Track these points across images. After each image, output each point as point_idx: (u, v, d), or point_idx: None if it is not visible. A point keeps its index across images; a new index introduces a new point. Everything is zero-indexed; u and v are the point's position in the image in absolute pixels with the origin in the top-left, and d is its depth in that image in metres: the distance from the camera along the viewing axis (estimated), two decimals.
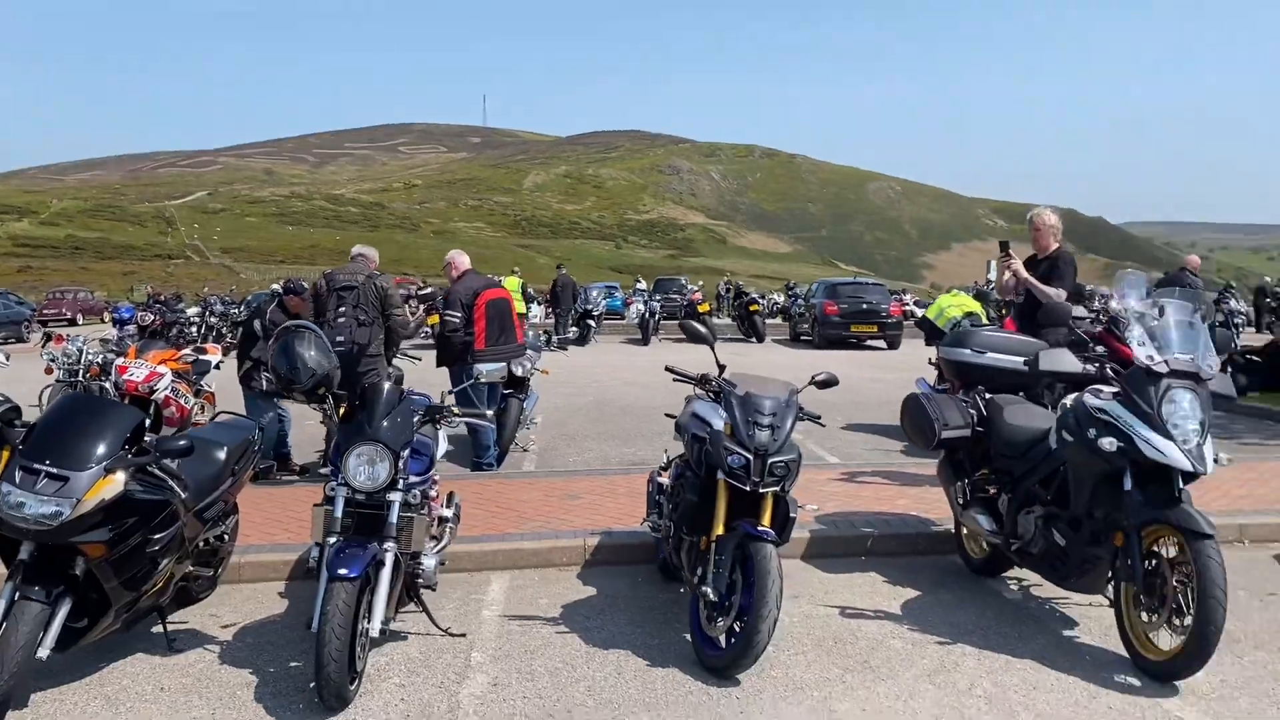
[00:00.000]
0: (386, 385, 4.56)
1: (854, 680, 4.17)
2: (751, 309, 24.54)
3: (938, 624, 4.83)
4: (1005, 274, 6.91)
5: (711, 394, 4.78)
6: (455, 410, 4.87)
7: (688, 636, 4.51)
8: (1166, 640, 4.12)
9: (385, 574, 4.10)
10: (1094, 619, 4.83)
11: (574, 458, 9.13)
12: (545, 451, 9.40)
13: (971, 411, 5.51)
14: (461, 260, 8.45)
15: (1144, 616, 4.23)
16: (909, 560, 5.94)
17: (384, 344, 7.63)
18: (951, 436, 5.43)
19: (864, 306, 21.90)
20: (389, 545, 4.16)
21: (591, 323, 22.63)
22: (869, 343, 22.51)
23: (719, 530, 4.41)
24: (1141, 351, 4.36)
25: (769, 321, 29.41)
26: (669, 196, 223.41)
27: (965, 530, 5.68)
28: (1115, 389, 4.53)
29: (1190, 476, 4.24)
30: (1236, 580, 5.51)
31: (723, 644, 4.23)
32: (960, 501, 5.47)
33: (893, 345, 22.26)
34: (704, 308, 24.03)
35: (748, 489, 4.35)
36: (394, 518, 4.23)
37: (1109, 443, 4.24)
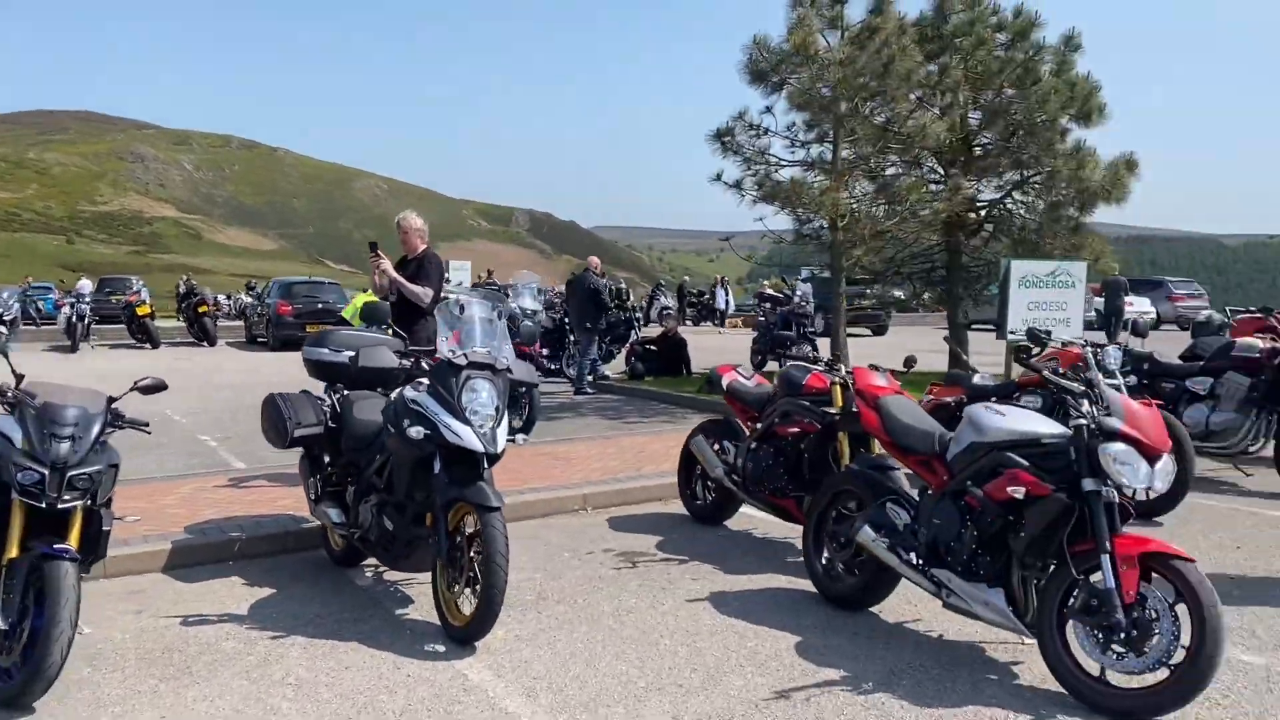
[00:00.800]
0: None
1: (165, 689, 4.09)
2: (201, 310, 23.16)
3: (280, 619, 4.90)
4: (376, 274, 7.19)
5: (6, 407, 4.42)
6: None
7: None
8: (468, 606, 4.56)
9: None
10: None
11: None
12: None
13: (326, 409, 5.68)
14: None
15: (452, 587, 4.65)
16: (277, 560, 5.96)
17: None
18: (305, 435, 5.56)
19: (319, 306, 21.64)
20: None
21: (2, 329, 19.88)
22: None
23: (12, 553, 4.09)
24: (444, 346, 4.78)
25: (230, 323, 27.98)
26: (132, 186, 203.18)
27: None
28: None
29: (494, 458, 4.73)
30: (567, 542, 6.28)
31: (14, 674, 3.94)
32: (313, 496, 5.62)
33: None
34: (143, 310, 22.15)
35: (44, 505, 4.08)
36: None
37: (416, 431, 4.59)
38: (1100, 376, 7.22)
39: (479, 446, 4.58)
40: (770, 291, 22.26)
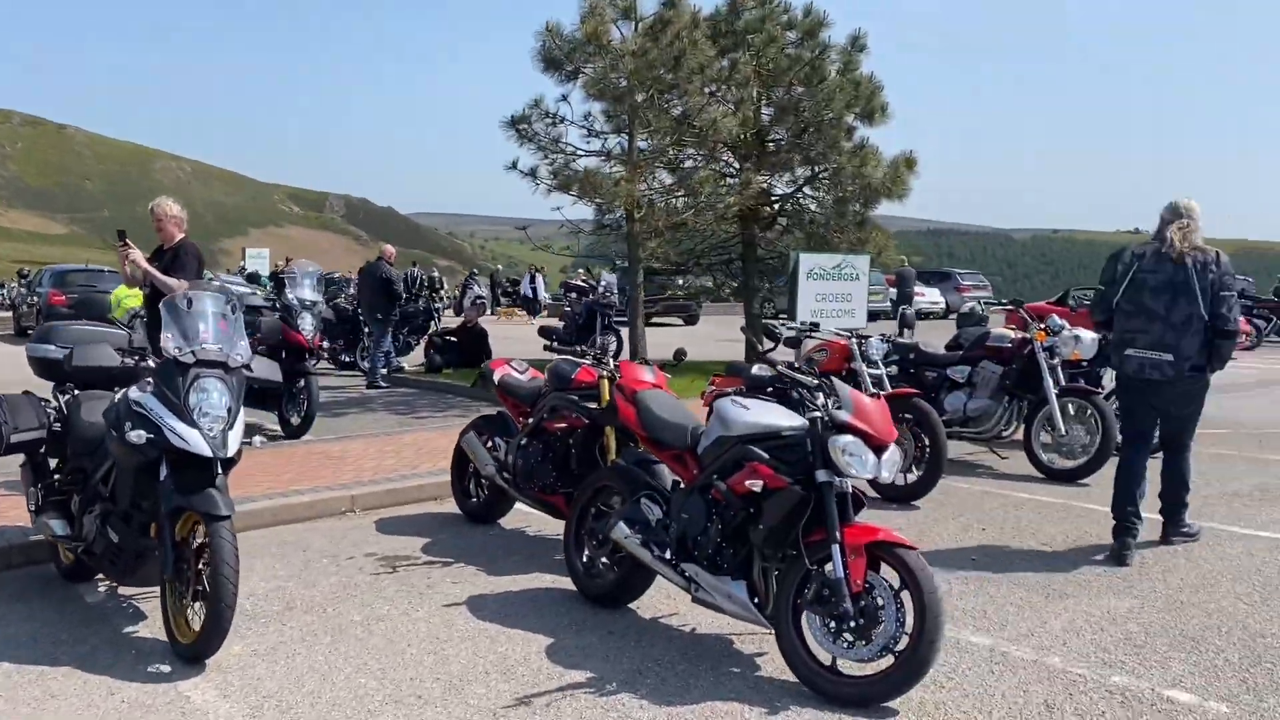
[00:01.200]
0: None
1: None
2: None
3: None
4: (126, 264, 6.69)
5: None
6: None
7: None
8: (197, 622, 4.26)
9: None
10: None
11: None
12: None
13: (50, 410, 5.23)
14: None
15: (181, 602, 4.34)
16: None
17: None
18: (21, 440, 5.09)
19: (96, 296, 20.17)
20: None
21: None
22: None
23: None
24: (170, 343, 4.44)
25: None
26: None
27: None
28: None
29: (227, 463, 4.43)
30: (328, 547, 6.01)
31: None
32: (33, 507, 5.16)
33: None
34: None
35: None
36: None
37: (138, 435, 4.25)
38: (864, 367, 7.58)
39: (207, 451, 4.29)
40: (577, 282, 22.22)
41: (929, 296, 31.57)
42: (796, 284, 12.94)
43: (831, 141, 13.23)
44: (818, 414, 4.15)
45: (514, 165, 12.36)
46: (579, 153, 12.50)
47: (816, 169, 13.97)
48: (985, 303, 29.09)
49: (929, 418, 7.16)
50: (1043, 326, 8.15)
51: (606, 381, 5.87)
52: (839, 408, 4.15)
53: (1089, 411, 7.77)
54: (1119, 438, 7.41)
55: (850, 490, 4.10)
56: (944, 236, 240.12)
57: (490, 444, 6.48)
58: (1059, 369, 8.14)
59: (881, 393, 7.82)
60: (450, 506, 6.87)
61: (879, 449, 4.09)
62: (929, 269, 38.77)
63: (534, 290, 33.91)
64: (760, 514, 4.18)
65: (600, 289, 17.12)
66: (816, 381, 4.32)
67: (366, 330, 14.88)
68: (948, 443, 7.29)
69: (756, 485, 4.14)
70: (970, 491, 7.45)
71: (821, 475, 4.04)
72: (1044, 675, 4.12)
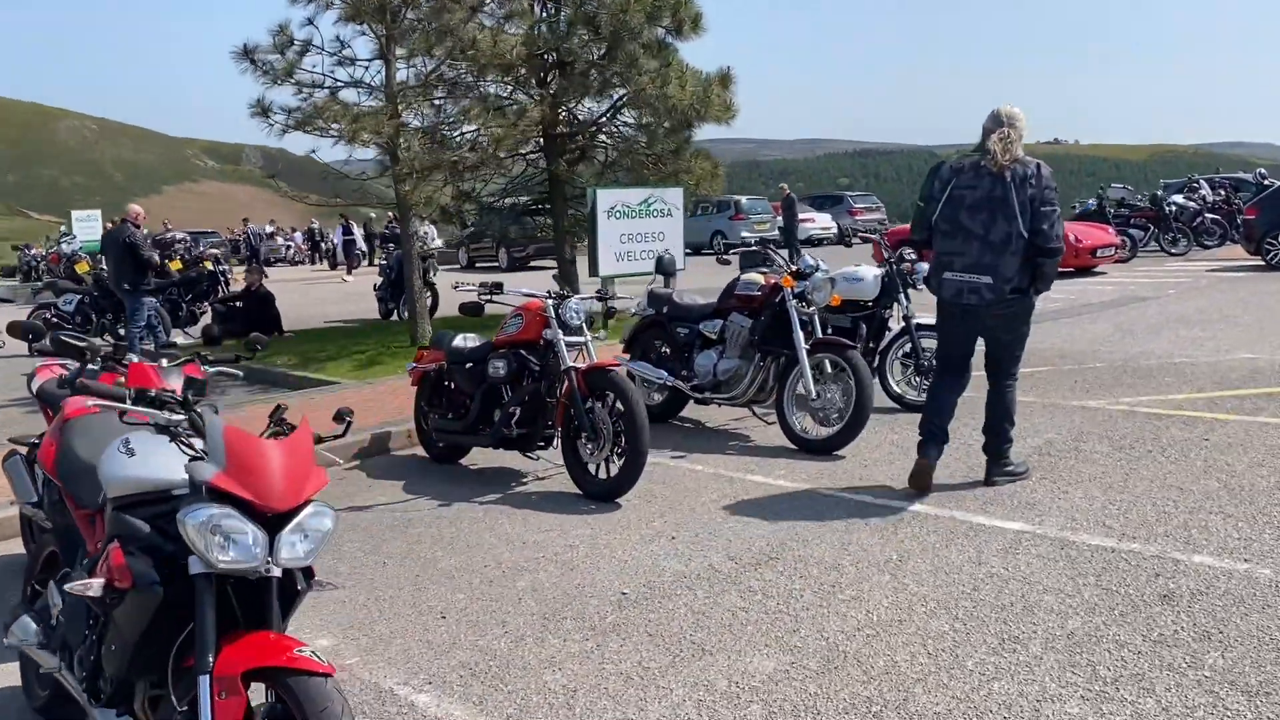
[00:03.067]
0: None
1: None
2: None
3: None
4: None
5: None
6: None
7: None
8: None
9: None
10: None
11: None
12: None
13: None
14: None
15: None
16: None
17: None
18: None
19: None
20: None
21: None
22: None
23: None
24: None
25: None
26: None
27: None
28: None
29: None
30: None
31: None
32: None
33: None
34: None
35: None
36: None
37: None
38: (560, 335, 6.13)
39: None
40: (383, 229, 20.42)
41: (820, 222, 30.25)
42: (596, 225, 11.46)
43: (630, 59, 11.64)
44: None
45: (260, 105, 10.63)
46: (327, 81, 10.77)
47: (617, 93, 12.38)
48: (879, 226, 27.96)
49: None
50: (793, 269, 6.78)
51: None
52: (203, 457, 2.71)
53: (843, 369, 6.45)
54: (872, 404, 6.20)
55: (279, 575, 2.69)
56: (870, 158, 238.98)
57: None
58: (816, 319, 6.81)
59: (623, 363, 6.45)
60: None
61: (268, 519, 2.65)
62: (820, 193, 37.50)
63: (350, 242, 29.14)
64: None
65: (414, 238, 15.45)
66: (182, 415, 2.84)
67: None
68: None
69: (93, 588, 2.70)
70: (694, 475, 6.09)
71: (194, 565, 2.62)
72: None
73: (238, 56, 10.47)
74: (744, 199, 30.31)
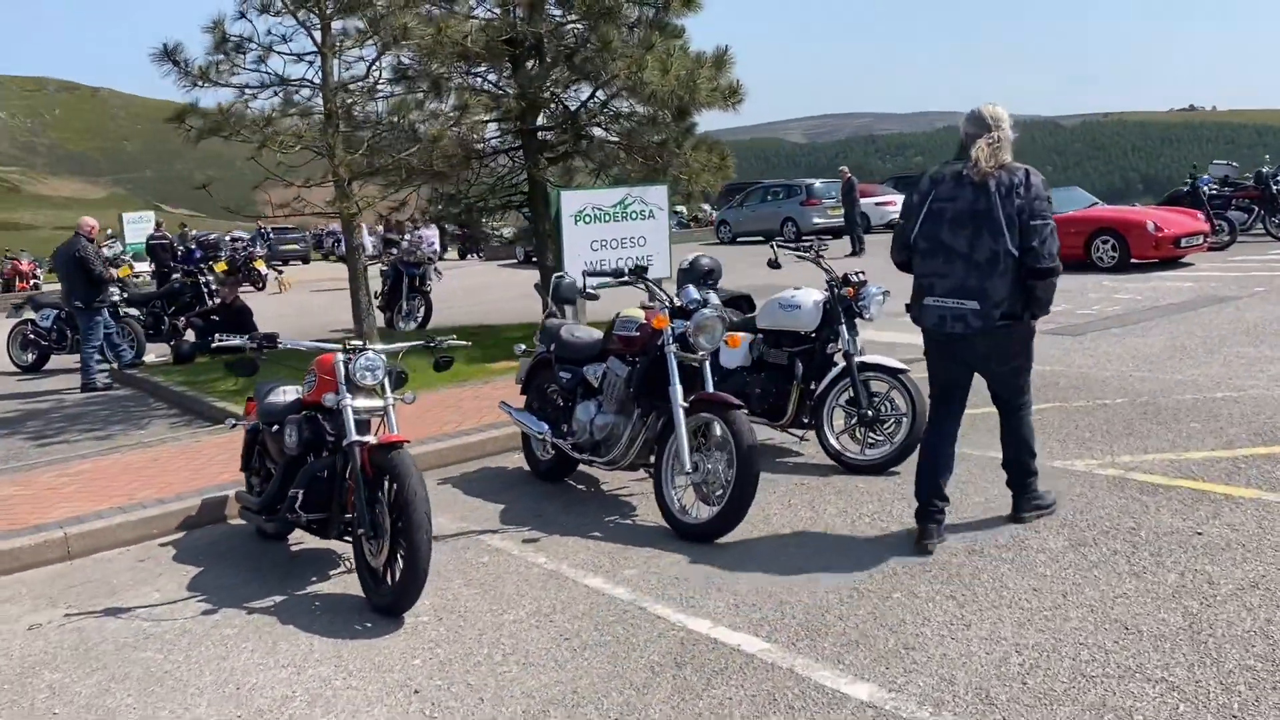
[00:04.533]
0: None
1: None
2: None
3: None
4: None
5: None
6: None
7: None
8: None
9: None
10: None
11: None
12: None
13: None
14: None
15: None
16: None
17: None
18: None
19: None
20: None
21: None
22: None
23: None
24: None
25: None
26: None
27: None
28: None
29: None
30: None
31: None
32: None
33: None
34: None
35: None
36: None
37: None
38: (348, 400, 4.91)
39: None
40: (384, 232, 19.45)
41: (899, 204, 28.26)
42: (560, 231, 10.22)
43: (604, 42, 10.31)
44: None
45: (177, 114, 9.69)
46: (253, 81, 9.74)
47: (592, 80, 11.03)
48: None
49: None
50: (667, 306, 5.42)
51: None
52: None
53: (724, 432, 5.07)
54: (747, 489, 4.87)
55: None
56: None
57: None
58: (707, 368, 5.44)
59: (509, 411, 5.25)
60: None
61: None
62: (904, 173, 35.32)
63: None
64: None
65: (406, 242, 14.47)
66: None
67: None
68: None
69: None
70: (525, 573, 4.81)
71: None
72: None
73: (157, 59, 9.54)
74: (817, 182, 28.38)
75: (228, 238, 25.24)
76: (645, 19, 11.27)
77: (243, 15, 9.85)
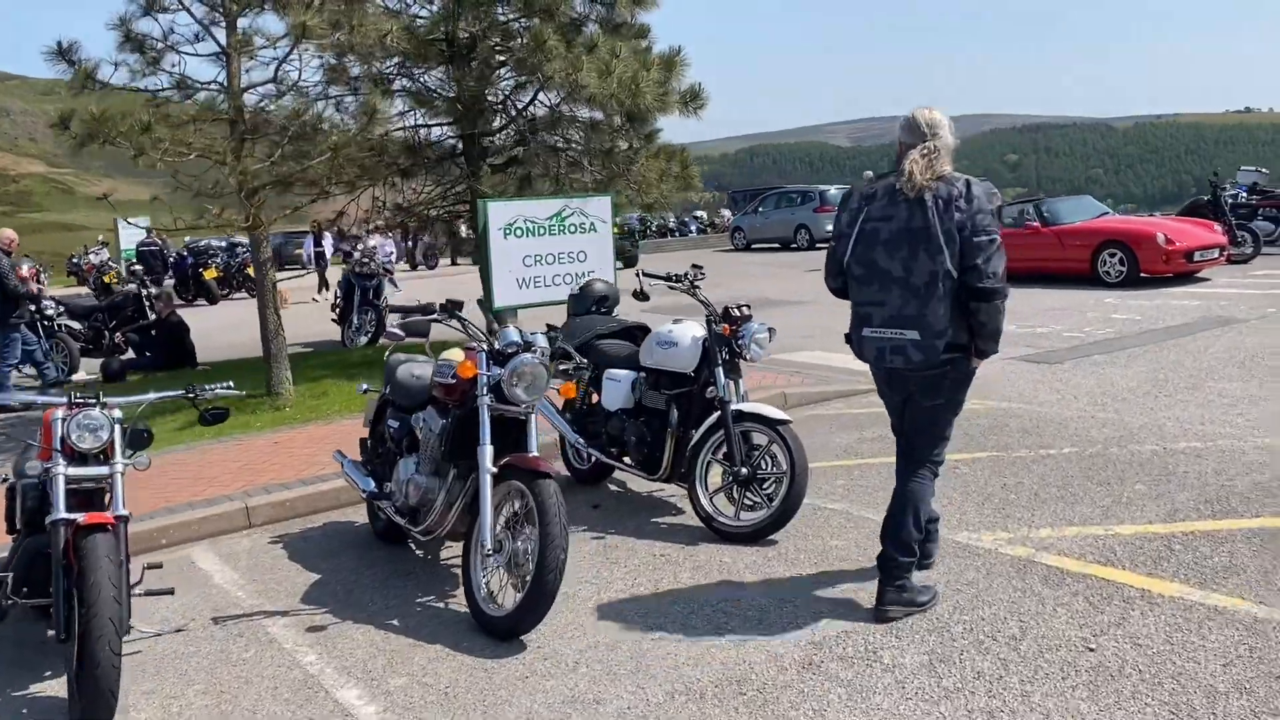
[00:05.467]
0: None
1: None
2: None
3: None
4: None
5: None
6: None
7: None
8: None
9: None
10: None
11: None
12: None
13: None
14: None
15: None
16: None
17: None
18: None
19: None
20: None
21: None
22: None
23: None
24: None
25: None
26: None
27: None
28: None
29: None
30: None
31: None
32: None
33: None
34: None
35: None
36: None
37: None
38: (61, 469, 4.08)
39: None
40: (344, 247, 18.61)
41: None
42: (488, 246, 9.40)
43: (538, 40, 9.47)
44: None
45: (61, 120, 9.00)
46: (148, 83, 9.02)
47: (530, 80, 10.20)
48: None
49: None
50: (482, 350, 4.56)
51: None
52: None
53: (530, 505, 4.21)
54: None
55: None
56: (1039, 132, 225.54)
57: None
58: (533, 422, 4.57)
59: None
60: None
61: None
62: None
63: (320, 254, 22.46)
64: None
65: (357, 252, 13.71)
66: None
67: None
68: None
69: None
70: (279, 682, 4.02)
71: None
72: None
73: (49, 57, 8.87)
74: (831, 188, 27.35)
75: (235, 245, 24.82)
76: (598, 17, 10.44)
77: (148, 12, 9.18)
